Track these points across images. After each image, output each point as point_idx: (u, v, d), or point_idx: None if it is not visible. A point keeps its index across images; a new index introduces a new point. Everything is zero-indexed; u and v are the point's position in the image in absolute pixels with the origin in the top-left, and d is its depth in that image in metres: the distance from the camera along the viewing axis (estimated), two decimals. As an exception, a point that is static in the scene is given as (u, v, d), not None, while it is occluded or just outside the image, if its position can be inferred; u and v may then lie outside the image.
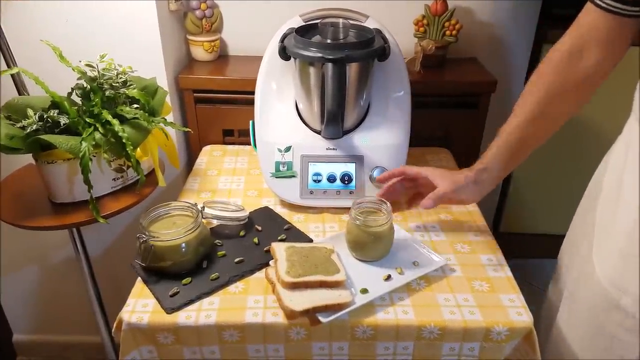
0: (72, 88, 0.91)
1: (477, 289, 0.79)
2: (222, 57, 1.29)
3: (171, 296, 0.76)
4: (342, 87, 0.87)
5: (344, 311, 0.72)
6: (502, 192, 1.70)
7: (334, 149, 0.98)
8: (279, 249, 0.81)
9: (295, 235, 0.90)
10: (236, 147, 1.21)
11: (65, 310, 1.43)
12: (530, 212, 1.73)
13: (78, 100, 0.91)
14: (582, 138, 1.57)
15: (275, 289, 0.75)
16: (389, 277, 0.80)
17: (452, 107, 1.23)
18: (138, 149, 0.90)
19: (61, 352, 1.50)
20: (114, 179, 0.91)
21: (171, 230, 0.78)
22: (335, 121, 0.89)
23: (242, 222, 0.91)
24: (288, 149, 0.97)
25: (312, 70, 0.91)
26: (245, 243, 0.87)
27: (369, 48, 0.89)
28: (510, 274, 0.83)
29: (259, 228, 0.91)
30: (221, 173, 1.10)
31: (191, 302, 0.75)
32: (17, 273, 1.37)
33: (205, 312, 0.74)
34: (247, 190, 1.04)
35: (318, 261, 0.79)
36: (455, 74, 1.23)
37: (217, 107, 1.20)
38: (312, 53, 0.87)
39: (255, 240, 0.88)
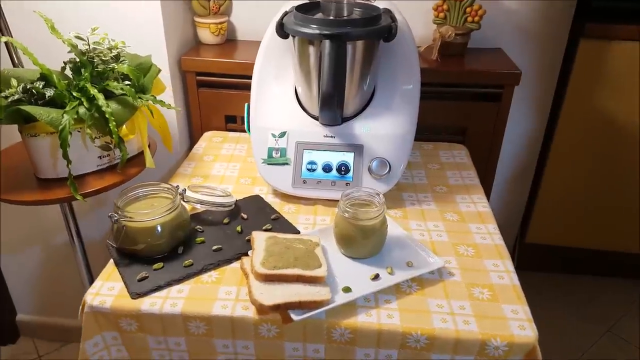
0: (64, 62, 0.88)
1: (476, 297, 0.71)
2: (230, 41, 1.24)
3: (139, 281, 0.71)
4: (341, 67, 0.80)
5: (319, 310, 0.66)
6: (529, 199, 1.58)
7: (332, 136, 0.91)
8: (259, 238, 0.75)
9: (282, 225, 0.84)
10: (237, 134, 1.16)
11: (68, 293, 1.42)
12: (560, 223, 1.60)
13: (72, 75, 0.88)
14: (618, 144, 1.43)
15: (248, 281, 0.69)
16: (376, 277, 0.72)
17: (471, 99, 1.14)
18: (125, 126, 0.86)
19: (64, 334, 1.49)
20: (99, 157, 0.88)
21: (145, 211, 0.74)
22: (330, 104, 0.82)
23: (227, 209, 0.85)
24: (283, 134, 0.91)
25: (311, 49, 0.85)
26: (228, 231, 0.82)
27: (373, 26, 0.82)
28: (517, 282, 0.74)
29: (245, 216, 0.85)
30: (217, 159, 1.05)
31: (159, 288, 0.70)
32: (22, 254, 1.37)
33: (171, 300, 0.68)
34: (241, 177, 0.99)
35: (299, 254, 0.72)
36: (476, 63, 1.13)
37: (221, 92, 1.15)
38: (310, 30, 0.81)
39: (239, 228, 0.82)
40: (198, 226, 0.82)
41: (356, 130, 0.91)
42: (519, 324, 0.66)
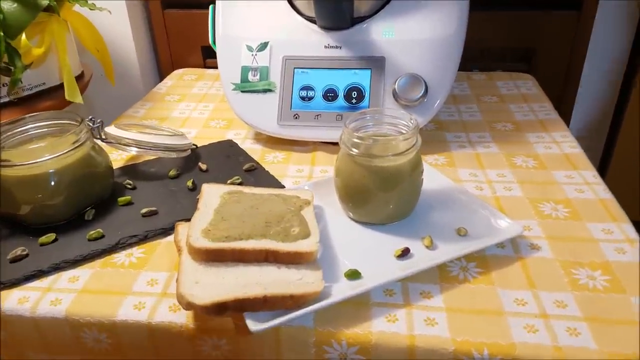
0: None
1: (584, 285, 0.40)
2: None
3: (12, 262, 0.43)
4: None
5: (302, 311, 0.36)
6: (602, 158, 1.22)
7: (337, 46, 0.61)
8: (211, 193, 0.46)
9: (258, 178, 0.54)
10: (217, 71, 0.87)
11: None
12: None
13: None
14: None
15: (179, 261, 0.40)
16: (405, 253, 0.42)
17: (540, 6, 0.81)
18: (26, 39, 0.59)
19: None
20: (-4, 87, 0.61)
21: (27, 148, 0.46)
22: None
23: (178, 155, 0.57)
24: (263, 46, 0.62)
25: None
26: (173, 187, 0.53)
27: None
28: (650, 258, 0.43)
29: (204, 167, 0.56)
30: (184, 99, 0.77)
31: (40, 274, 0.42)
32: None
33: (56, 293, 0.41)
34: (212, 119, 0.70)
35: (273, 217, 0.43)
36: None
37: (194, 14, 0.87)
38: None
39: (189, 183, 0.53)
40: (127, 180, 0.53)
41: (374, 35, 0.60)
42: (670, 333, 0.36)
